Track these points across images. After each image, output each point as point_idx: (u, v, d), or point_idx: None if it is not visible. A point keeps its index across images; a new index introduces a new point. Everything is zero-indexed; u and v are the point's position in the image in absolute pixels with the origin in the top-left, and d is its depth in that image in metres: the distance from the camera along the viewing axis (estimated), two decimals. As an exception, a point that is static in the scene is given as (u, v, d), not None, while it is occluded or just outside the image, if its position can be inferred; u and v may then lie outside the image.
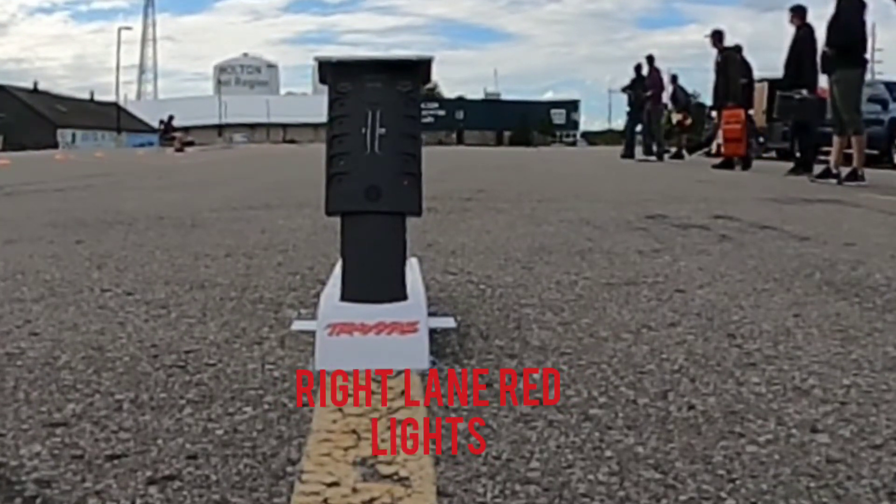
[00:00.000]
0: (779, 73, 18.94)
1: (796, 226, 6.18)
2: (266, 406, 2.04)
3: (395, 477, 1.63)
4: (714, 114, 21.58)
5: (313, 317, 2.55)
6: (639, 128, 25.54)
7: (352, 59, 2.53)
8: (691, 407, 2.08)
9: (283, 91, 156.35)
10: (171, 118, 52.62)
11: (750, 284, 3.70)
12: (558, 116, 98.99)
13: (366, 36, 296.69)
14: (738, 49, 19.50)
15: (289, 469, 1.66)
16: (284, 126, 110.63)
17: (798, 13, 14.54)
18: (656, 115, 23.62)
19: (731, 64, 18.56)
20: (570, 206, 7.69)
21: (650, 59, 23.76)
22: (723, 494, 1.58)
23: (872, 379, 2.33)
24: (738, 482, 1.64)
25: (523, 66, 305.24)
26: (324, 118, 2.56)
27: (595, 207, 7.48)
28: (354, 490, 1.56)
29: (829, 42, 12.02)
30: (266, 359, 2.44)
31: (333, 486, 1.58)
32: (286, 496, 1.54)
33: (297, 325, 2.69)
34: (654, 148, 22.97)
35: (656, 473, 1.68)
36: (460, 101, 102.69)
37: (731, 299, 3.37)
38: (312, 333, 2.43)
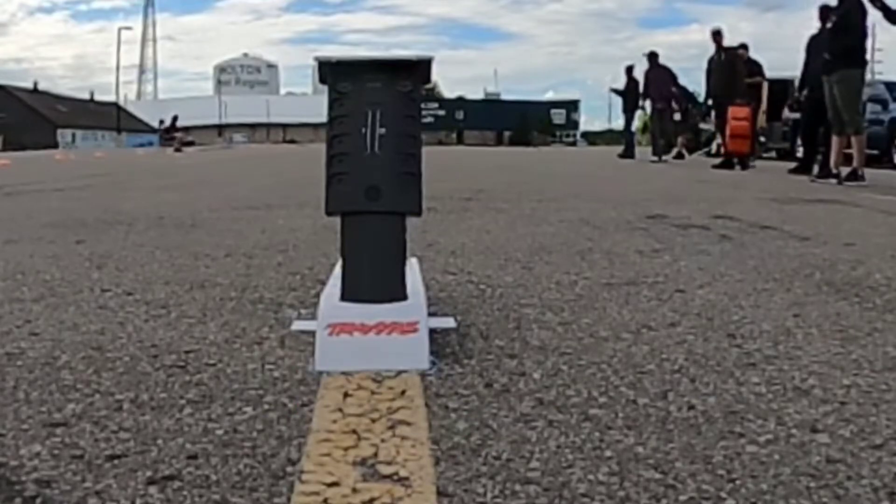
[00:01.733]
0: (780, 73, 19.00)
1: (796, 226, 6.19)
2: (266, 406, 2.03)
3: (396, 477, 1.63)
4: (712, 113, 21.45)
5: (313, 317, 2.55)
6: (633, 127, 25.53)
7: (352, 59, 2.52)
8: (691, 407, 2.08)
9: (283, 91, 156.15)
10: (175, 118, 52.11)
11: (750, 284, 3.70)
12: (558, 116, 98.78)
13: (366, 36, 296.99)
14: (744, 47, 19.43)
15: (289, 469, 1.66)
16: (284, 126, 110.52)
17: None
18: (666, 115, 23.26)
19: (737, 62, 18.48)
20: (570, 206, 7.68)
21: (654, 56, 23.10)
22: (723, 494, 1.58)
23: (872, 379, 2.34)
24: (738, 482, 1.64)
25: (523, 66, 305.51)
26: (324, 118, 2.55)
27: (595, 207, 7.47)
28: (354, 490, 1.56)
29: (833, 43, 12.03)
30: (266, 359, 2.44)
31: (333, 486, 1.58)
32: (286, 496, 1.54)
33: (297, 325, 2.69)
34: (663, 148, 22.61)
35: (656, 473, 1.68)
36: (460, 101, 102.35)
37: (731, 299, 3.38)
38: (312, 333, 2.43)
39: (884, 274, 4.04)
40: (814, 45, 14.05)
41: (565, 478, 1.65)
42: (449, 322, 2.70)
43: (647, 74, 23.05)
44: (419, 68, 2.52)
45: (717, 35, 18.75)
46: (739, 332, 2.83)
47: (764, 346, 2.67)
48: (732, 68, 18.33)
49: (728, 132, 18.40)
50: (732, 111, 18.32)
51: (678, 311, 3.14)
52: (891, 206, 8.47)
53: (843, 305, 3.31)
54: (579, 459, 1.74)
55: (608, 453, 1.78)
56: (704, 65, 19.23)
